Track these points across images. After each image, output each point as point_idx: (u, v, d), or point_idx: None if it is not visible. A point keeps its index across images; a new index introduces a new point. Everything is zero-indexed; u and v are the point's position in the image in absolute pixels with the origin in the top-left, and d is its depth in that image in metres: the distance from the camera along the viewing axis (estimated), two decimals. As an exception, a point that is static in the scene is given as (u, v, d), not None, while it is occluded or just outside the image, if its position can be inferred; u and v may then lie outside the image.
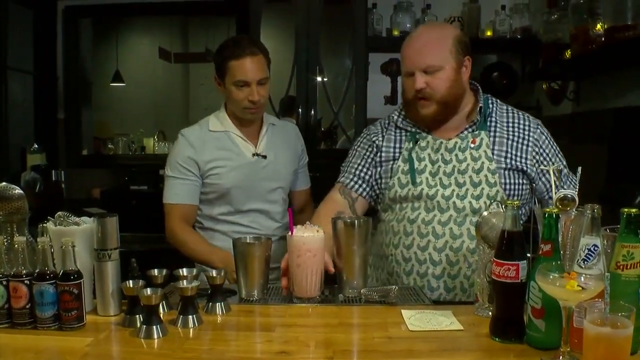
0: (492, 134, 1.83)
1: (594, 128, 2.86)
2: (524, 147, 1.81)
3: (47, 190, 3.76)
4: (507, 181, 1.78)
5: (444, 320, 1.43)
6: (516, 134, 1.83)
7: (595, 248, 1.22)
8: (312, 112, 3.27)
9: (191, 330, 1.40)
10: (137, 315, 1.40)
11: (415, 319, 1.45)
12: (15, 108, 3.96)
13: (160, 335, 1.33)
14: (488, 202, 1.72)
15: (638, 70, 2.48)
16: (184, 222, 2.12)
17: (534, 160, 1.82)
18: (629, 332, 1.05)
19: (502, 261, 1.29)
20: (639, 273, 1.18)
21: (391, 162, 1.91)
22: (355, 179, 1.96)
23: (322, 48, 3.32)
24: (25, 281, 1.37)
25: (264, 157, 2.15)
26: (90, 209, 3.27)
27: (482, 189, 1.78)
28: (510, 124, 1.85)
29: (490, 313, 1.39)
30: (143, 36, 6.49)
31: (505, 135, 1.83)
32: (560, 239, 1.27)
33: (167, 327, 1.37)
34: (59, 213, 1.51)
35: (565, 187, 1.72)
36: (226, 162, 2.10)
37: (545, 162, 1.82)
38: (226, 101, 2.16)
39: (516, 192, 1.79)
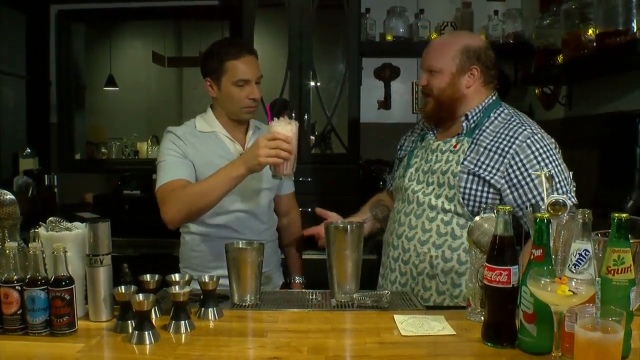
0: (474, 141, 1.87)
1: (585, 133, 2.88)
2: (500, 159, 1.80)
3: (39, 194, 3.75)
4: (466, 185, 1.82)
5: (436, 325, 1.44)
6: (497, 144, 1.83)
7: (587, 253, 1.23)
8: (306, 116, 3.27)
9: (183, 336, 1.40)
10: (129, 321, 1.39)
11: (408, 324, 1.45)
12: (7, 112, 3.96)
13: (152, 341, 1.33)
14: (446, 202, 1.86)
15: (629, 75, 2.50)
16: None
17: (505, 172, 1.80)
18: (619, 336, 1.06)
19: (493, 266, 1.29)
20: (629, 278, 1.19)
21: (404, 159, 2.10)
22: (391, 180, 2.23)
23: (315, 53, 3.32)
24: (17, 287, 1.36)
25: None
26: (83, 213, 3.25)
27: (444, 189, 1.87)
28: (498, 135, 1.85)
29: (482, 318, 1.39)
30: (136, 40, 6.48)
31: (484, 144, 1.85)
32: (551, 244, 1.28)
33: (159, 332, 1.36)
34: (51, 218, 1.51)
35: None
36: (214, 159, 2.07)
37: (518, 178, 1.78)
38: (220, 103, 2.15)
39: (474, 198, 1.82)
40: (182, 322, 1.41)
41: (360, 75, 3.44)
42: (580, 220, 1.24)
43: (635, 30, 2.19)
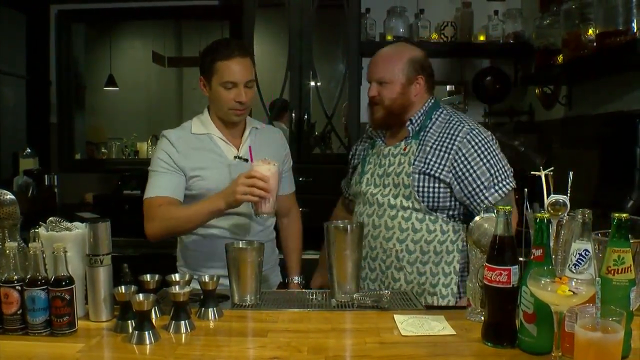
0: (421, 142, 2.02)
1: (585, 133, 2.88)
2: (445, 155, 1.96)
3: (39, 194, 3.74)
4: (419, 184, 1.97)
5: (436, 325, 1.44)
6: (441, 142, 1.98)
7: (587, 253, 1.23)
8: (306, 116, 3.27)
9: (183, 335, 1.40)
10: (129, 321, 1.39)
11: (408, 324, 1.45)
12: (7, 112, 3.96)
13: (152, 341, 1.33)
14: (404, 200, 1.98)
15: (629, 75, 2.50)
16: None
17: (451, 167, 1.95)
18: (619, 336, 1.06)
19: (493, 266, 1.29)
20: (629, 278, 1.19)
21: (358, 166, 2.22)
22: (346, 186, 2.36)
23: (315, 52, 3.32)
24: (17, 287, 1.36)
25: (246, 160, 2.11)
26: (83, 213, 3.24)
27: (400, 189, 2.00)
28: (442, 134, 2.00)
29: (482, 318, 1.39)
30: (136, 40, 6.49)
31: (430, 144, 2.00)
32: (551, 244, 1.28)
33: (159, 332, 1.37)
34: (51, 218, 1.51)
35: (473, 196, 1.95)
36: (207, 163, 2.06)
37: (463, 170, 1.94)
38: (210, 103, 2.13)
39: (427, 194, 1.97)
40: (182, 322, 1.41)
41: (360, 75, 3.43)
42: (580, 220, 1.24)
43: (635, 30, 2.19)
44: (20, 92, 4.08)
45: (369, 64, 2.11)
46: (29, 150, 3.88)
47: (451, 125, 2.01)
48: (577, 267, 1.23)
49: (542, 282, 1.15)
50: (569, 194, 1.38)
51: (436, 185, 1.96)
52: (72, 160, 4.18)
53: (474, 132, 1.97)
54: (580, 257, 1.22)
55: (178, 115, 6.66)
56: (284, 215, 2.34)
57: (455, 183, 1.95)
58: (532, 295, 1.21)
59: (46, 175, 3.87)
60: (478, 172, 1.94)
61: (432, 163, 1.96)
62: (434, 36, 3.64)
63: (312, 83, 3.32)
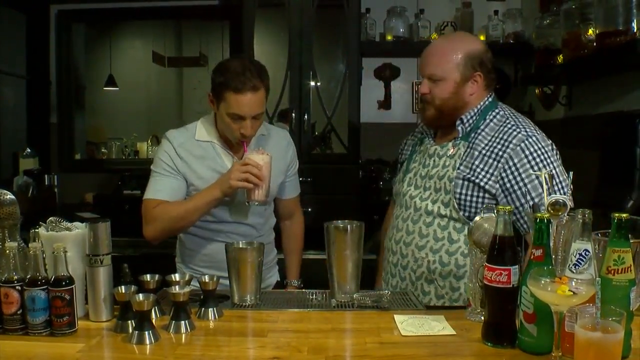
0: (470, 145, 1.84)
1: (585, 133, 2.88)
2: (495, 163, 1.77)
3: (39, 194, 3.75)
4: (461, 191, 1.80)
5: (436, 325, 1.44)
6: (490, 148, 1.80)
7: (587, 253, 1.23)
8: (306, 117, 3.27)
9: (183, 335, 1.40)
10: (129, 321, 1.39)
11: (408, 324, 1.45)
12: (7, 112, 3.96)
13: (152, 341, 1.33)
14: (442, 207, 1.84)
15: (629, 75, 2.50)
16: None
17: (499, 177, 1.76)
18: (619, 336, 1.06)
19: (494, 266, 1.29)
20: (629, 278, 1.19)
21: (404, 163, 2.09)
22: (394, 185, 2.15)
23: (315, 53, 3.32)
24: (17, 287, 1.36)
25: None
26: (83, 213, 3.24)
27: (440, 194, 1.85)
28: (493, 139, 1.81)
29: (482, 318, 1.39)
30: (136, 40, 6.49)
31: (479, 149, 1.81)
32: (551, 243, 1.28)
33: (159, 332, 1.37)
34: (51, 218, 1.51)
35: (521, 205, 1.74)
36: (206, 174, 2.03)
37: (511, 182, 1.75)
38: (217, 120, 2.07)
39: (469, 204, 1.79)
40: (182, 322, 1.41)
41: (360, 75, 3.44)
42: (580, 220, 1.24)
43: (635, 30, 2.19)
44: (20, 92, 4.08)
45: (422, 56, 1.92)
46: (29, 150, 3.88)
47: (505, 129, 1.80)
48: (577, 267, 1.23)
49: (542, 282, 1.15)
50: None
51: (480, 194, 1.78)
52: (72, 160, 4.19)
53: (530, 139, 1.75)
54: (580, 257, 1.22)
55: (178, 115, 6.65)
56: (287, 218, 2.33)
57: (502, 195, 1.75)
58: (532, 295, 1.21)
59: (46, 175, 3.88)
60: (529, 186, 1.72)
61: (478, 170, 1.78)
62: (434, 36, 3.64)
63: (312, 83, 3.32)
